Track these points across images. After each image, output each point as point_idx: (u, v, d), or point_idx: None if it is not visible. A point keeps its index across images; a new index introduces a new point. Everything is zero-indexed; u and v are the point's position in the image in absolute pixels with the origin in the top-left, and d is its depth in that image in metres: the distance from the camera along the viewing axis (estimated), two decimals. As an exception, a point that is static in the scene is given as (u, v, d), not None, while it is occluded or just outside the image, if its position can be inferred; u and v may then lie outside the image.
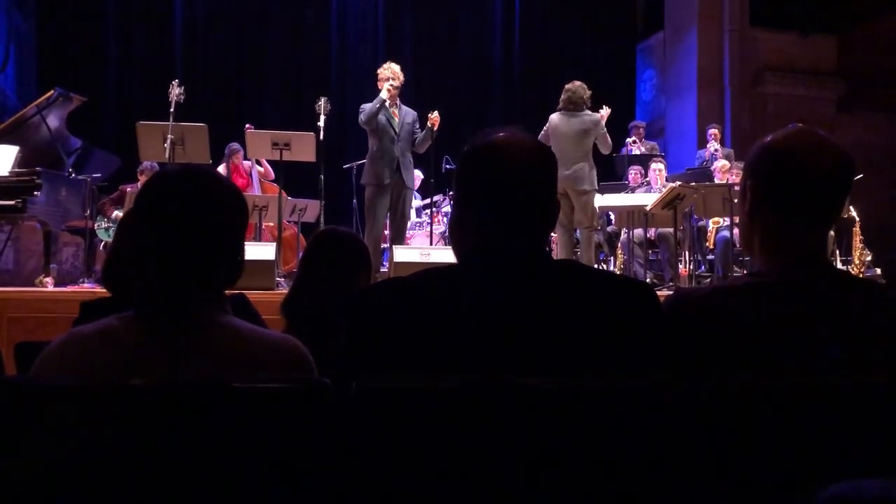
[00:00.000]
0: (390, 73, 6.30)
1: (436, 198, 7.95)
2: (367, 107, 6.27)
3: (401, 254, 5.80)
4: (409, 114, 6.42)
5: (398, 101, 6.38)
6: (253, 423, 1.20)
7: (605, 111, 6.72)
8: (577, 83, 6.54)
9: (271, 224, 7.18)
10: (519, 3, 11.93)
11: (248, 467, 1.20)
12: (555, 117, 6.52)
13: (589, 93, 6.51)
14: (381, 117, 6.24)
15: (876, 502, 0.73)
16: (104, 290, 2.14)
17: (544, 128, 6.48)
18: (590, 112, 6.48)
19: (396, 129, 6.28)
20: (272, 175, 7.79)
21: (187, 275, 1.34)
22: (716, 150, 8.97)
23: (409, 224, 7.15)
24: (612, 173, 8.86)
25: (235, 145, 7.80)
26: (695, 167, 8.95)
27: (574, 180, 6.28)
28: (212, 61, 10.81)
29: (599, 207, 6.84)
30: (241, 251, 1.44)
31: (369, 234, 6.19)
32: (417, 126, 6.44)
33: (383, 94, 6.23)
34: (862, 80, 10.95)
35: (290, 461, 1.21)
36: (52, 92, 6.19)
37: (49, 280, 5.44)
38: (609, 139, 6.61)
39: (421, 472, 1.22)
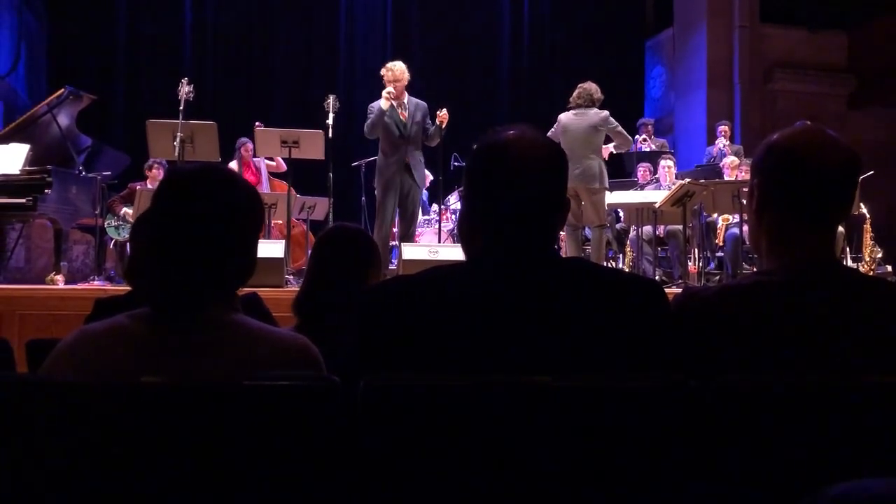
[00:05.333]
0: (390, 76, 6.21)
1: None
2: (374, 107, 6.25)
3: (409, 251, 5.81)
4: (419, 108, 6.34)
5: (405, 98, 6.32)
6: (262, 421, 1.21)
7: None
8: (591, 83, 6.52)
9: (280, 222, 7.20)
10: (527, 0, 11.91)
11: (257, 465, 1.21)
12: (564, 116, 6.50)
13: (601, 95, 6.48)
14: (389, 122, 6.19)
15: (880, 501, 0.73)
16: (114, 288, 2.15)
17: (553, 127, 6.46)
18: (598, 109, 6.45)
19: (403, 130, 6.24)
20: (284, 168, 7.77)
21: (201, 273, 1.34)
22: (724, 147, 8.94)
23: (418, 221, 7.15)
24: (621, 170, 8.84)
25: (244, 139, 7.85)
26: (703, 164, 8.93)
27: (585, 179, 6.25)
28: (221, 59, 10.85)
29: (608, 205, 6.82)
30: (255, 251, 1.44)
31: (378, 232, 6.18)
32: (428, 119, 6.38)
33: (382, 104, 6.17)
34: (872, 76, 10.90)
35: (298, 459, 1.22)
36: (62, 90, 6.22)
37: (60, 278, 5.46)
38: (626, 133, 6.59)
39: (428, 471, 1.22)
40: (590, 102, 6.43)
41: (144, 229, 1.37)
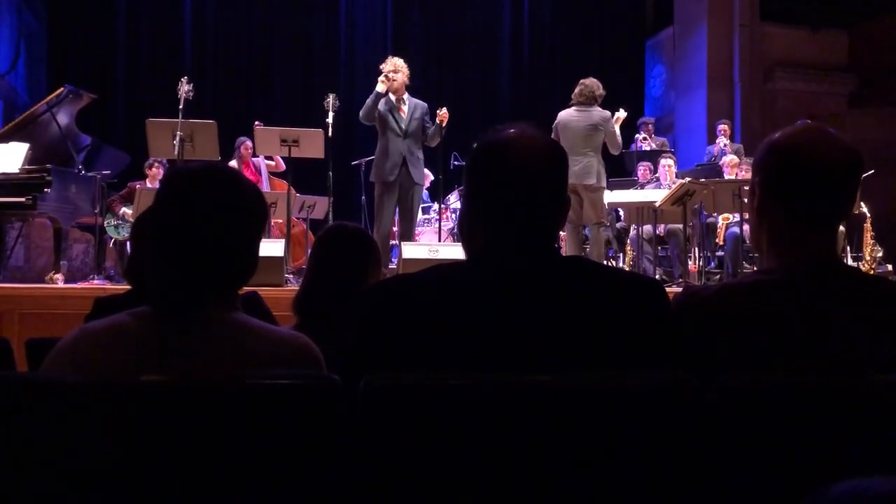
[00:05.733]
0: (391, 67, 6.26)
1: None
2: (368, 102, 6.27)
3: (409, 250, 5.80)
4: (419, 107, 6.34)
5: (405, 96, 6.33)
6: (262, 420, 1.21)
7: (621, 114, 6.67)
8: (592, 79, 6.50)
9: (280, 221, 7.19)
10: (527, 0, 11.90)
11: (257, 464, 1.21)
12: (565, 113, 6.49)
13: (602, 91, 6.47)
14: (387, 115, 6.21)
15: (882, 501, 0.73)
16: (114, 287, 2.15)
17: (554, 125, 6.45)
18: (600, 108, 6.45)
19: (402, 126, 6.24)
20: (283, 167, 7.77)
21: (202, 273, 1.34)
22: (725, 146, 8.93)
23: (417, 220, 7.14)
24: (621, 169, 8.84)
25: (244, 138, 7.85)
26: (704, 163, 8.92)
27: (583, 176, 6.25)
28: (221, 58, 10.85)
29: (609, 204, 6.81)
30: (257, 251, 1.44)
31: (377, 231, 6.17)
32: (428, 119, 6.39)
33: (378, 87, 6.21)
34: (873, 75, 10.89)
35: (299, 458, 1.22)
36: (62, 89, 6.21)
37: (59, 277, 5.46)
38: (619, 139, 6.56)
39: (429, 470, 1.22)
40: (591, 99, 6.41)
41: (145, 228, 1.37)
